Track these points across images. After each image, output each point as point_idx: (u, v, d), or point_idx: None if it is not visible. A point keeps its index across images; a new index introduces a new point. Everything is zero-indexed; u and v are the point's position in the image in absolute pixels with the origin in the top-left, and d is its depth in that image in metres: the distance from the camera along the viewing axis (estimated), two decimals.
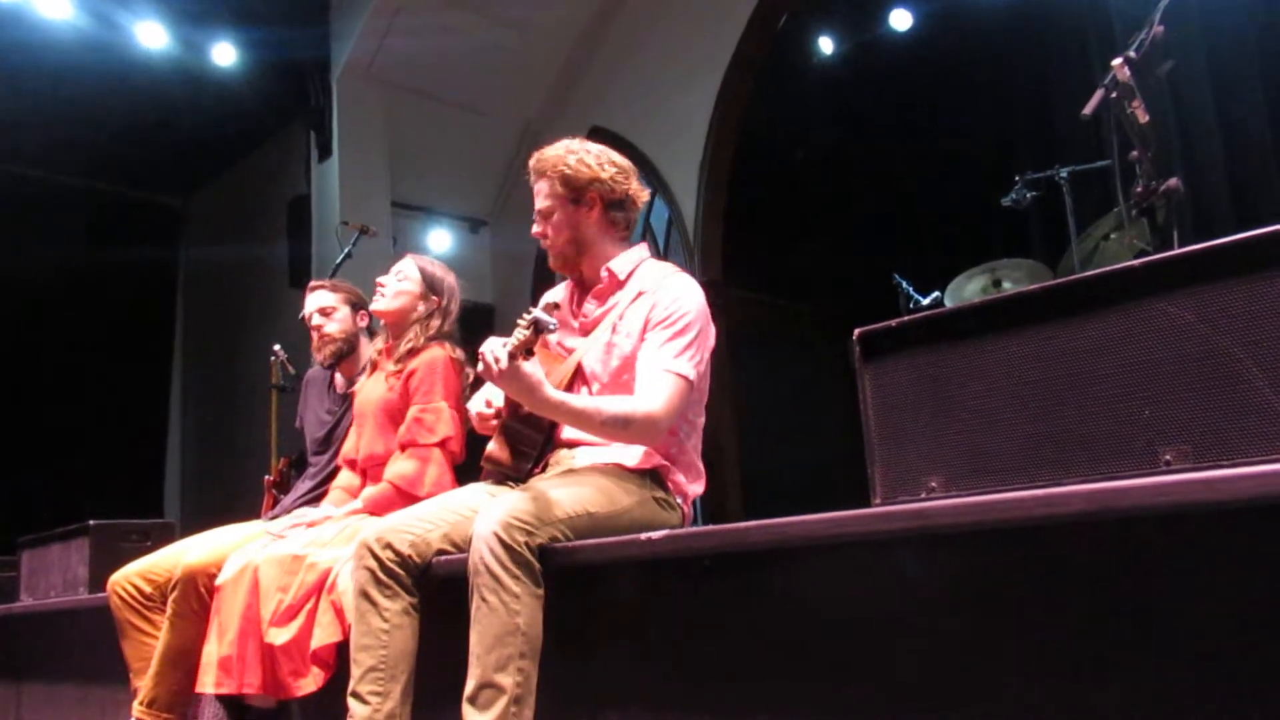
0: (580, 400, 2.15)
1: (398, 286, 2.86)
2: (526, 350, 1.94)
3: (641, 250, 2.42)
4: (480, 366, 2.01)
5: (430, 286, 2.88)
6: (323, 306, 3.15)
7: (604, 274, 2.34)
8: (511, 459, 2.28)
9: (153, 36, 6.43)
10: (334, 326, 3.14)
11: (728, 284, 6.91)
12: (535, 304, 1.98)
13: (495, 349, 1.97)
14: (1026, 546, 1.41)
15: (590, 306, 2.37)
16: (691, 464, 2.31)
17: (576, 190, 2.33)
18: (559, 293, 2.44)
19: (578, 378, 2.31)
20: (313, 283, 3.28)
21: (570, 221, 2.34)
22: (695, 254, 6.88)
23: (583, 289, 2.43)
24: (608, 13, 7.51)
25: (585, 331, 2.36)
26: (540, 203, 2.37)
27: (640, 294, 2.28)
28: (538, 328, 1.92)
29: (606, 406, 2.11)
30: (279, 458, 3.78)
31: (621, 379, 2.24)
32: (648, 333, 2.21)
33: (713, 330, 2.29)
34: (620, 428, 2.10)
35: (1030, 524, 1.37)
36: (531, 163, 2.40)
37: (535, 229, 2.40)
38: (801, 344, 7.42)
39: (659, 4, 7.24)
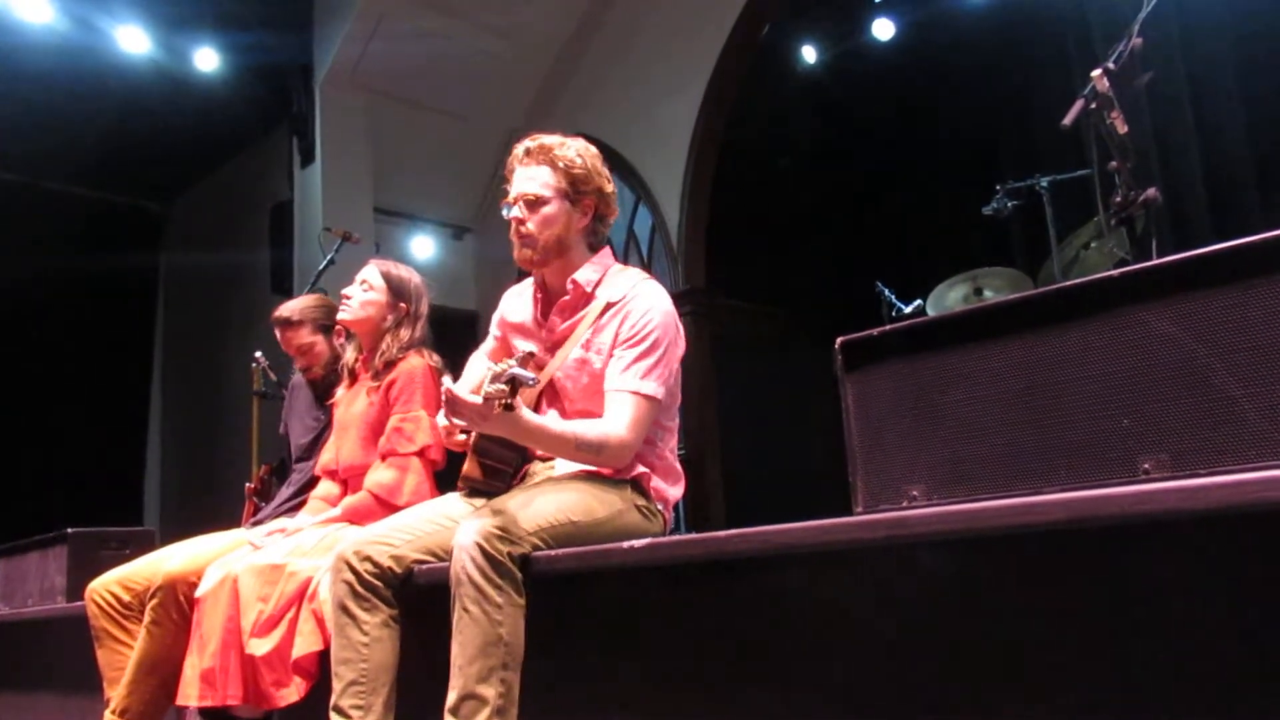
0: (556, 425, 2.11)
1: (364, 297, 2.84)
2: (505, 406, 1.85)
3: (606, 258, 2.34)
4: (446, 408, 1.94)
5: (397, 293, 2.86)
6: (300, 346, 3.12)
7: (569, 286, 2.26)
8: (487, 477, 2.23)
9: (134, 41, 6.38)
10: (318, 362, 3.12)
11: (711, 292, 6.92)
12: (499, 307, 1.86)
13: (468, 402, 1.89)
14: (1007, 555, 1.42)
15: (556, 320, 2.29)
16: (670, 468, 2.30)
17: (578, 190, 2.24)
18: (523, 310, 2.38)
19: (548, 393, 2.27)
20: (276, 316, 3.15)
21: (563, 219, 2.23)
22: (678, 261, 6.88)
23: (546, 294, 2.35)
24: (592, 20, 7.51)
25: (553, 344, 2.29)
26: (531, 188, 2.22)
27: (609, 306, 2.22)
28: (515, 385, 1.83)
29: (581, 432, 2.09)
30: (260, 465, 3.76)
31: (592, 395, 2.21)
32: (616, 348, 2.17)
33: (681, 339, 2.26)
34: (593, 453, 2.10)
35: (1011, 533, 1.38)
36: (532, 144, 2.25)
37: (514, 213, 2.23)
38: (784, 352, 7.42)
39: (643, 12, 7.26)
